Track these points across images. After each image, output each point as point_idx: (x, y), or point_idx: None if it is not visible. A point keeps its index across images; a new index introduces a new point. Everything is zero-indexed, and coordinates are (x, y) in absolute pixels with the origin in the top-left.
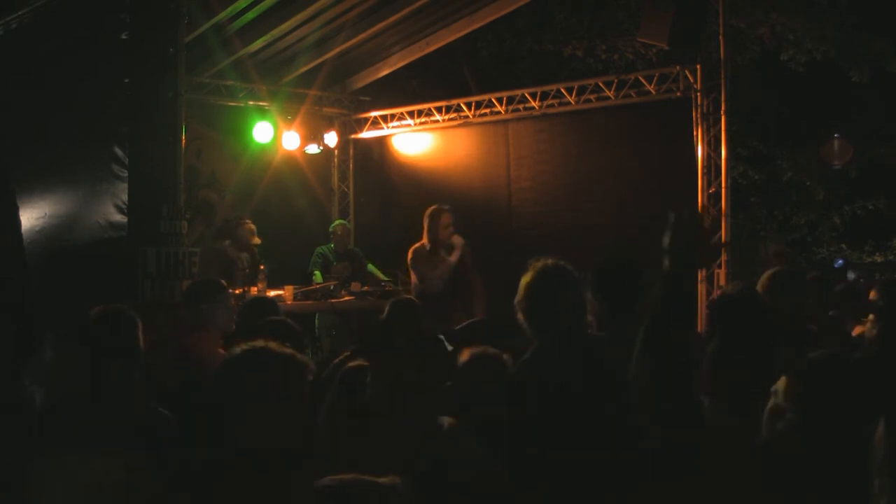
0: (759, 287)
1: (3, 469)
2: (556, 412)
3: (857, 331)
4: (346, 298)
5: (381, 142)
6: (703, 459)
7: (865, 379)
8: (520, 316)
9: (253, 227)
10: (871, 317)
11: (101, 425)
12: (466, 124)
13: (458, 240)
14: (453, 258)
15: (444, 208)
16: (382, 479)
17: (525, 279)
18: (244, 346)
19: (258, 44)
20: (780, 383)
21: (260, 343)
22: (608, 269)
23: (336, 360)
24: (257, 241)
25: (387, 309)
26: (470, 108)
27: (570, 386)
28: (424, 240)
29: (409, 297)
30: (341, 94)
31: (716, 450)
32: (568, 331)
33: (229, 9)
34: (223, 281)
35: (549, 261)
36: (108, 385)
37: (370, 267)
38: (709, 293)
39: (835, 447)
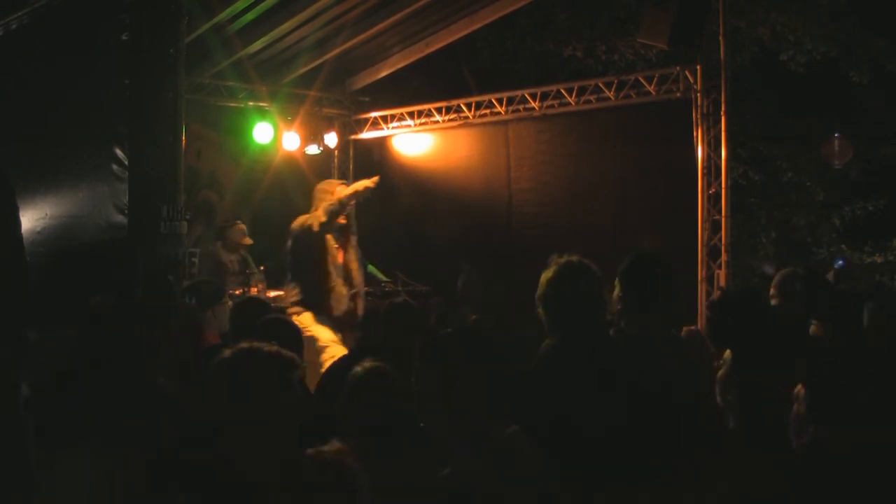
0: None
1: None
2: (573, 410)
3: None
4: None
5: (381, 142)
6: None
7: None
8: (539, 310)
9: (243, 227)
10: None
11: (98, 417)
12: (466, 125)
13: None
14: None
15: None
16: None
17: (546, 274)
18: (229, 350)
19: (258, 44)
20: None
21: (245, 345)
22: (639, 263)
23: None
24: (248, 241)
25: (385, 311)
26: (470, 109)
27: (588, 383)
28: None
29: (405, 299)
30: (341, 94)
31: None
32: (587, 327)
33: (229, 9)
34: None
35: (573, 257)
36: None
37: (370, 267)
38: (709, 294)
39: None
